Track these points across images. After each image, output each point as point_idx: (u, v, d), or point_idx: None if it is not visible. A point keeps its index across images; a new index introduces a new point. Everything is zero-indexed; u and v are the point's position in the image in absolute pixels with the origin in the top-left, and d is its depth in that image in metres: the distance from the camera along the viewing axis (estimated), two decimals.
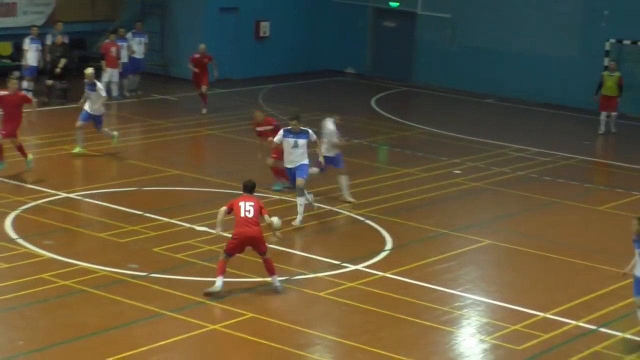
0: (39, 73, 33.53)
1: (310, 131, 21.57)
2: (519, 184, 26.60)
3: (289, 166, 21.35)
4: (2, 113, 23.84)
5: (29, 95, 25.91)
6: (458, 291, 18.37)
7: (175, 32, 39.03)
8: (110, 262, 18.51)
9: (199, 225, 17.88)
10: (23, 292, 17.00)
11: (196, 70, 32.69)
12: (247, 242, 16.64)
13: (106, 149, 27.44)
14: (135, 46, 35.38)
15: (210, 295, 16.45)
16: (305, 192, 20.96)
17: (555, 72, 37.05)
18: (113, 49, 34.02)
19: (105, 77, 34.14)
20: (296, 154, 21.07)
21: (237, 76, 39.18)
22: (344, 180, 22.75)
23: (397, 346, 15.56)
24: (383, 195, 22.84)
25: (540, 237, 21.96)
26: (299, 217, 20.79)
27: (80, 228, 20.90)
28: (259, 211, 16.85)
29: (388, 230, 21.42)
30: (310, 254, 19.97)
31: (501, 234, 22.06)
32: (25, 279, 17.60)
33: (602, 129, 32.88)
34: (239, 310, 16.52)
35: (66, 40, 34.70)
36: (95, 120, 26.23)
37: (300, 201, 20.77)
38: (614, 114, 32.79)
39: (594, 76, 33.63)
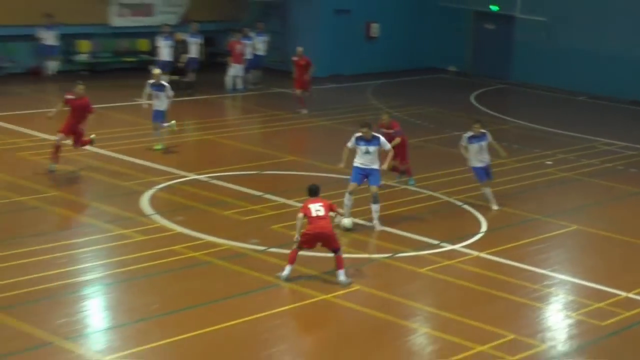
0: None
1: (381, 138, 20.16)
2: (606, 175, 26.36)
3: (359, 166, 19.99)
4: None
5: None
6: (547, 271, 18.36)
7: (294, 32, 39.24)
8: (234, 237, 18.90)
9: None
10: (157, 262, 17.50)
11: (296, 72, 32.32)
12: (320, 237, 16.63)
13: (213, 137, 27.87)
14: (258, 44, 35.73)
15: (280, 279, 16.67)
16: (346, 212, 19.66)
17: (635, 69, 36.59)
18: (238, 47, 34.42)
19: (232, 71, 34.73)
20: (367, 158, 19.93)
21: (348, 72, 39.36)
22: (487, 190, 21.83)
23: (490, 319, 15.63)
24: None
25: (625, 224, 21.76)
26: (376, 222, 20.10)
27: (207, 206, 21.26)
28: (329, 209, 16.87)
29: (483, 215, 21.48)
30: (412, 234, 19.95)
31: (588, 220, 21.95)
32: (158, 250, 18.09)
33: None
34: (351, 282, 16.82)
35: (198, 38, 35.30)
36: (159, 117, 26.21)
37: (374, 208, 20.05)
38: None
39: None
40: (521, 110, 34.83)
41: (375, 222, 19.97)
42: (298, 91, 31.90)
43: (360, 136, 19.80)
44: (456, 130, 30.67)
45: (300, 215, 16.65)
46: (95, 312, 15.94)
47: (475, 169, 21.16)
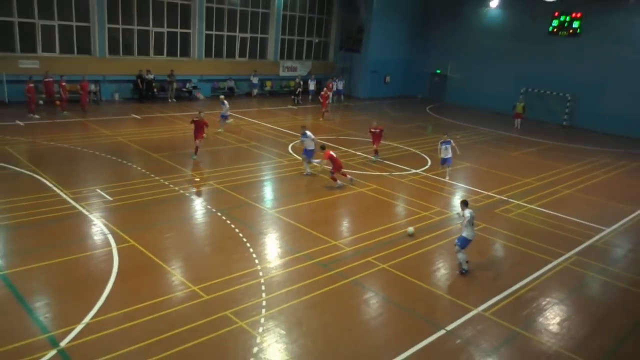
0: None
1: (308, 133, 17.29)
2: (483, 143, 25.69)
3: (305, 148, 17.45)
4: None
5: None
6: (455, 182, 18.25)
7: (355, 79, 38.89)
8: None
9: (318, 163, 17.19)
10: (292, 173, 17.43)
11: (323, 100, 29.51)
12: (339, 167, 16.32)
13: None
14: (340, 84, 35.31)
15: (338, 186, 16.26)
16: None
17: (496, 97, 35.57)
18: (331, 85, 33.74)
19: (330, 96, 33.78)
20: (304, 144, 17.35)
21: (376, 96, 38.86)
22: (448, 169, 18.67)
23: (429, 200, 15.95)
24: (429, 143, 22.72)
25: (492, 165, 21.33)
26: (308, 170, 17.47)
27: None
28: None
29: (429, 158, 21.14)
30: (399, 165, 19.75)
31: (474, 162, 21.49)
32: (293, 168, 17.98)
33: (516, 126, 30.70)
34: (370, 184, 16.97)
35: (315, 81, 35.11)
36: (224, 117, 22.57)
37: (306, 165, 17.50)
38: (519, 120, 30.44)
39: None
40: (449, 115, 34.05)
41: (308, 170, 17.52)
42: (323, 109, 28.86)
43: (303, 132, 17.34)
44: (419, 122, 30.49)
45: (326, 160, 16.34)
46: (268, 191, 16.15)
47: (441, 159, 18.42)
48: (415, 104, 38.03)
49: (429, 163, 20.57)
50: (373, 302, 10.03)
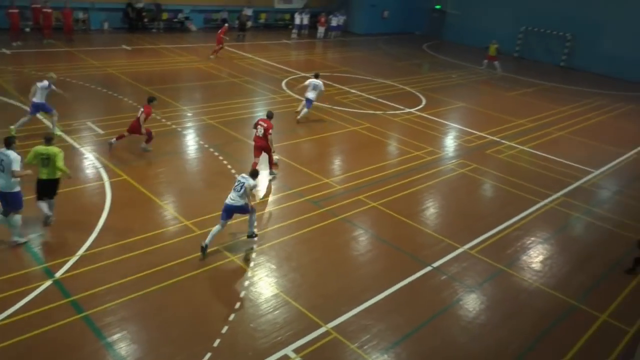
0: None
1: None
2: (475, 83, 25.24)
3: None
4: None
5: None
6: (446, 121, 18.04)
7: (353, 13, 37.47)
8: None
9: None
10: (289, 108, 17.37)
11: None
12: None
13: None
14: (340, 19, 34.15)
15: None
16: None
17: (494, 37, 34.56)
18: (322, 20, 32.85)
19: (320, 30, 33.24)
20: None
21: (373, 32, 37.70)
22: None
23: (421, 140, 15.78)
24: (424, 82, 22.25)
25: (486, 105, 21.08)
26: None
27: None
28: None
29: (424, 97, 20.87)
30: (393, 103, 19.51)
31: (468, 102, 21.22)
32: (288, 102, 17.92)
33: (483, 66, 30.42)
34: (363, 123, 16.58)
35: (309, 14, 33.92)
36: None
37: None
38: (495, 62, 28.73)
39: None
40: (446, 53, 33.26)
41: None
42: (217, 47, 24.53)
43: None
44: (415, 60, 29.83)
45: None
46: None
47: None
48: (412, 41, 37.13)
49: (424, 102, 20.35)
50: (362, 239, 10.19)
